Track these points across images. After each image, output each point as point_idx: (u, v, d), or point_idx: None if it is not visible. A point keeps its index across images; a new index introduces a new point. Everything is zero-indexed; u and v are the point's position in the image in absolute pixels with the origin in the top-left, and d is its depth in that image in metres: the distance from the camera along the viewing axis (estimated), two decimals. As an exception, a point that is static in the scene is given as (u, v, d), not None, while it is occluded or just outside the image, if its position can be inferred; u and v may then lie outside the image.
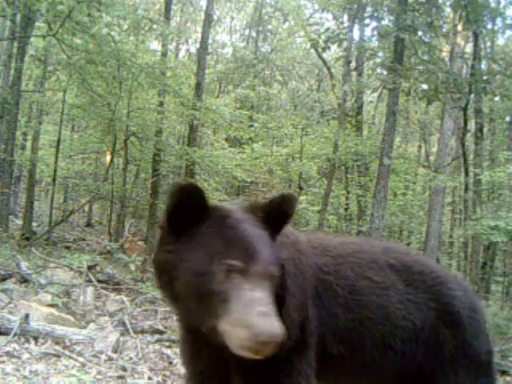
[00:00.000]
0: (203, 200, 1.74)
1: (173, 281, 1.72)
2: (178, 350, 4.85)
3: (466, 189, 9.61)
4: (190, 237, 1.72)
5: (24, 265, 7.93)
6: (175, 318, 2.18)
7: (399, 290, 2.20)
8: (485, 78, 8.87)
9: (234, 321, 1.57)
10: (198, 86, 13.52)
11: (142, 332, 5.75)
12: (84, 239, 14.51)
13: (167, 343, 5.42)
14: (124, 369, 4.53)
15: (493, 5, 10.95)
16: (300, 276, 1.97)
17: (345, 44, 12.10)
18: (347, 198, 14.56)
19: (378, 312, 2.13)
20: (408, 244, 18.68)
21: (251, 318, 1.53)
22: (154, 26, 13.50)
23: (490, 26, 11.61)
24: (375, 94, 16.87)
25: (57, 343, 4.85)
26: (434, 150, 18.44)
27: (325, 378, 2.15)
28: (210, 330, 1.67)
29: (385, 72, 9.84)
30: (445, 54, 12.46)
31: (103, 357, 4.71)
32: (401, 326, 2.15)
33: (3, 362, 4.22)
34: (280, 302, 1.85)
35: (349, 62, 13.43)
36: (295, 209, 1.88)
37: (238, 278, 1.62)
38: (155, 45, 18.33)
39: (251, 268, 1.64)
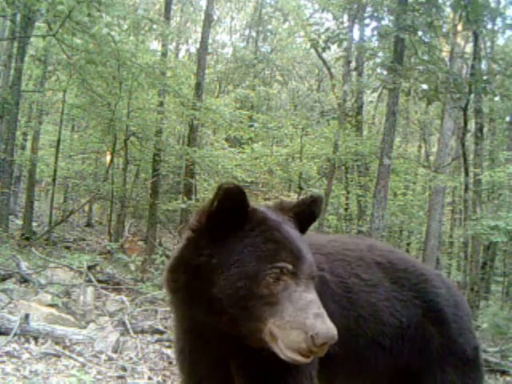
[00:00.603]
0: (246, 203, 1.72)
1: (210, 285, 1.67)
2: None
3: (466, 189, 9.60)
4: (231, 240, 1.69)
5: (24, 265, 7.93)
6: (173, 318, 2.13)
7: (386, 287, 2.22)
8: (485, 78, 8.86)
9: (288, 323, 1.55)
10: (198, 86, 13.52)
11: (142, 332, 5.75)
12: (84, 239, 14.52)
13: (167, 343, 5.42)
14: (124, 369, 4.53)
15: (493, 5, 10.94)
16: None
17: (345, 44, 12.09)
18: (347, 198, 14.56)
19: (368, 310, 2.14)
20: (408, 244, 18.72)
21: (308, 320, 1.53)
22: (154, 26, 13.50)
23: (490, 26, 11.60)
24: (375, 94, 16.87)
25: (57, 343, 4.85)
26: (434, 149, 18.44)
27: (324, 378, 2.15)
28: (251, 334, 1.65)
29: (385, 72, 9.84)
30: (445, 54, 12.45)
31: (103, 357, 4.71)
32: (389, 324, 2.16)
33: (3, 362, 4.22)
34: None
35: (349, 62, 13.42)
36: (320, 210, 1.89)
37: (289, 281, 1.62)
38: (155, 45, 18.34)
39: (300, 270, 1.64)
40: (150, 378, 4.43)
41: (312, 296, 1.61)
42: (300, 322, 1.53)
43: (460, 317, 2.31)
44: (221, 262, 1.67)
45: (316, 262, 2.07)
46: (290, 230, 1.76)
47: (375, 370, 2.22)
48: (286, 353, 1.57)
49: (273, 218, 1.77)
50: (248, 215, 1.73)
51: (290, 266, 1.63)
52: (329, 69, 17.02)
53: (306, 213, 1.86)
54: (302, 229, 1.86)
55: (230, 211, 1.69)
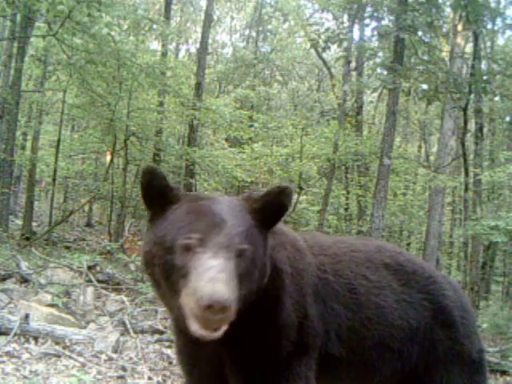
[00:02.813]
0: (164, 181, 1.77)
1: (154, 268, 1.71)
2: (178, 350, 4.85)
3: (466, 189, 9.60)
4: (161, 220, 1.73)
5: (24, 265, 7.92)
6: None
7: (395, 289, 2.20)
8: (485, 78, 8.86)
9: (189, 290, 1.52)
10: (198, 86, 13.54)
11: (142, 332, 5.75)
12: (84, 239, 14.50)
13: (167, 343, 5.42)
14: (124, 369, 4.52)
15: (493, 5, 10.95)
16: (297, 275, 1.95)
17: (345, 44, 12.09)
18: (347, 198, 14.57)
19: (376, 312, 2.12)
20: (408, 244, 18.72)
21: (200, 283, 1.48)
22: (154, 26, 13.52)
23: (490, 26, 11.60)
24: (375, 94, 16.87)
25: (57, 343, 4.85)
26: (434, 150, 18.44)
27: (329, 380, 2.14)
28: (179, 313, 1.63)
29: (385, 72, 9.84)
30: (445, 54, 12.45)
31: (103, 357, 4.70)
32: (398, 326, 2.15)
33: (3, 362, 4.21)
34: (275, 301, 1.84)
35: (349, 62, 13.43)
36: (291, 202, 1.82)
37: (198, 249, 1.58)
38: (155, 45, 18.35)
39: (211, 239, 1.59)
40: (150, 378, 4.42)
41: (216, 262, 1.53)
42: (194, 287, 1.49)
43: (467, 319, 2.31)
44: (153, 241, 1.72)
45: (319, 263, 2.06)
46: (221, 206, 1.72)
47: (382, 373, 2.20)
48: (191, 325, 1.53)
49: (207, 198, 1.78)
50: (177, 196, 1.77)
51: (199, 235, 1.60)
52: (329, 69, 17.04)
53: (274, 203, 1.78)
54: (271, 220, 1.80)
55: (152, 191, 1.77)
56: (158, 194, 1.76)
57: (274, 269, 1.85)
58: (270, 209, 1.77)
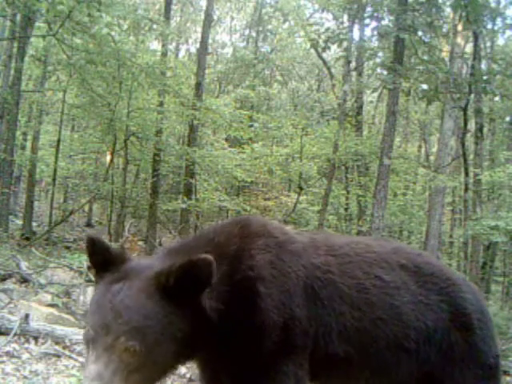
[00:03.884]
0: (99, 256, 1.85)
1: None
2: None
3: (466, 189, 9.60)
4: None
5: (24, 265, 7.93)
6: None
7: (411, 290, 2.18)
8: (485, 78, 8.86)
9: None
10: (198, 86, 13.54)
11: (142, 332, 5.72)
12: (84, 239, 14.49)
13: (167, 343, 5.40)
14: (124, 369, 4.51)
15: (493, 5, 10.94)
16: (282, 277, 1.94)
17: (345, 44, 12.07)
18: (347, 198, 14.57)
19: (390, 312, 2.10)
20: (408, 244, 18.72)
21: None
22: (154, 26, 13.52)
23: (490, 26, 11.60)
24: (375, 94, 16.88)
25: (57, 343, 4.84)
26: (434, 150, 18.45)
27: (335, 378, 2.14)
28: None
29: (385, 72, 9.84)
30: (445, 54, 12.45)
31: (103, 357, 4.69)
32: (414, 327, 2.13)
33: (3, 362, 4.22)
34: (249, 306, 1.87)
35: (349, 62, 13.42)
36: (209, 273, 1.70)
37: (89, 349, 1.66)
38: (155, 45, 18.36)
39: (99, 339, 1.63)
40: (150, 378, 4.42)
41: (94, 367, 1.61)
42: None
43: (485, 323, 2.28)
44: None
45: (321, 263, 2.06)
46: (124, 294, 1.69)
47: (399, 374, 2.17)
48: None
49: (122, 276, 1.76)
50: (104, 273, 1.82)
51: (92, 334, 1.66)
52: (329, 69, 17.05)
53: (188, 278, 1.70)
54: (192, 292, 1.74)
55: (91, 261, 1.91)
56: (94, 265, 1.89)
57: (245, 278, 1.89)
58: (185, 283, 1.70)
